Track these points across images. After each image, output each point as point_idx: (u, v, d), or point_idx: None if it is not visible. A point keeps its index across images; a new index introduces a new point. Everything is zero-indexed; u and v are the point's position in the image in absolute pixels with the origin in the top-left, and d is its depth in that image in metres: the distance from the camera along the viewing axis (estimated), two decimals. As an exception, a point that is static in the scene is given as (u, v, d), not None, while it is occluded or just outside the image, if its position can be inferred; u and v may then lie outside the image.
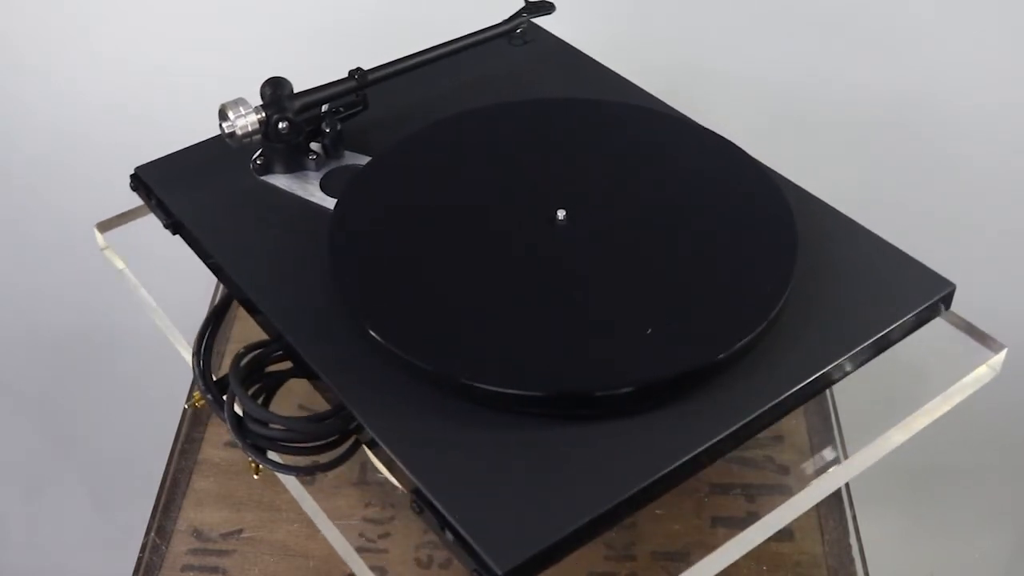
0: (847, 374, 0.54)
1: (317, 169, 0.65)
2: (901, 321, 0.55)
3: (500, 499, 0.47)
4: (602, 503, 0.46)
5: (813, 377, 0.52)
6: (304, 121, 0.64)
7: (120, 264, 0.69)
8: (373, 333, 0.52)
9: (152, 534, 0.66)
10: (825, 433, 0.70)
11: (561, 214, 0.59)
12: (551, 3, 0.73)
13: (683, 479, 0.49)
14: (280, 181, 0.65)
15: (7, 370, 1.23)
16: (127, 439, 1.22)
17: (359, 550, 0.61)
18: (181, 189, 0.65)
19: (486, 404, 0.50)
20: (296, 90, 0.65)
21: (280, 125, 0.63)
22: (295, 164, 0.65)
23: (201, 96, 1.02)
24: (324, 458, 0.53)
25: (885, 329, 0.54)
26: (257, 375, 0.56)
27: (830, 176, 1.01)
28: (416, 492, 0.48)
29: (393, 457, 0.49)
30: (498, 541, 0.45)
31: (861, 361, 0.54)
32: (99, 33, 0.98)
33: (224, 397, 0.55)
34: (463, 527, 0.46)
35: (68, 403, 1.27)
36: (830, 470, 0.58)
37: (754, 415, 0.50)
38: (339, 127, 0.65)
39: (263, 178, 0.65)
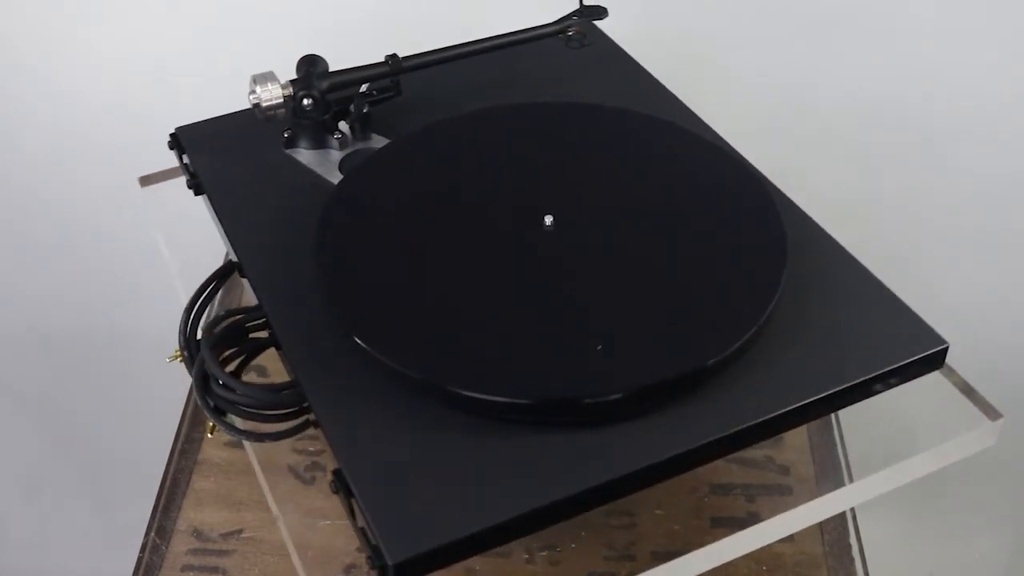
0: (822, 415, 0.52)
1: (340, 149, 0.67)
2: (881, 372, 0.52)
3: (413, 492, 0.47)
4: (510, 511, 0.46)
5: (773, 415, 0.50)
6: (332, 100, 0.66)
7: (148, 216, 0.72)
8: (347, 329, 0.53)
9: (152, 534, 0.66)
10: (826, 435, 0.70)
11: (549, 219, 0.58)
12: (603, 7, 0.73)
13: (615, 498, 0.48)
14: (303, 156, 0.67)
15: (7, 370, 1.23)
16: (127, 439, 1.22)
17: (359, 550, 0.61)
18: (209, 152, 0.68)
19: (433, 399, 0.50)
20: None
21: (305, 101, 0.65)
22: (320, 142, 0.67)
23: (201, 96, 1.02)
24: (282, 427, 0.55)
25: (863, 377, 0.52)
26: (235, 339, 0.57)
27: (828, 175, 1.02)
28: (336, 472, 0.48)
29: (325, 434, 0.50)
30: (397, 532, 0.45)
31: (837, 405, 0.52)
32: (99, 33, 0.98)
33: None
34: (367, 511, 0.46)
35: (68, 403, 1.27)
36: (835, 492, 0.58)
37: (698, 444, 0.49)
38: (366, 109, 0.66)
39: (288, 151, 0.67)
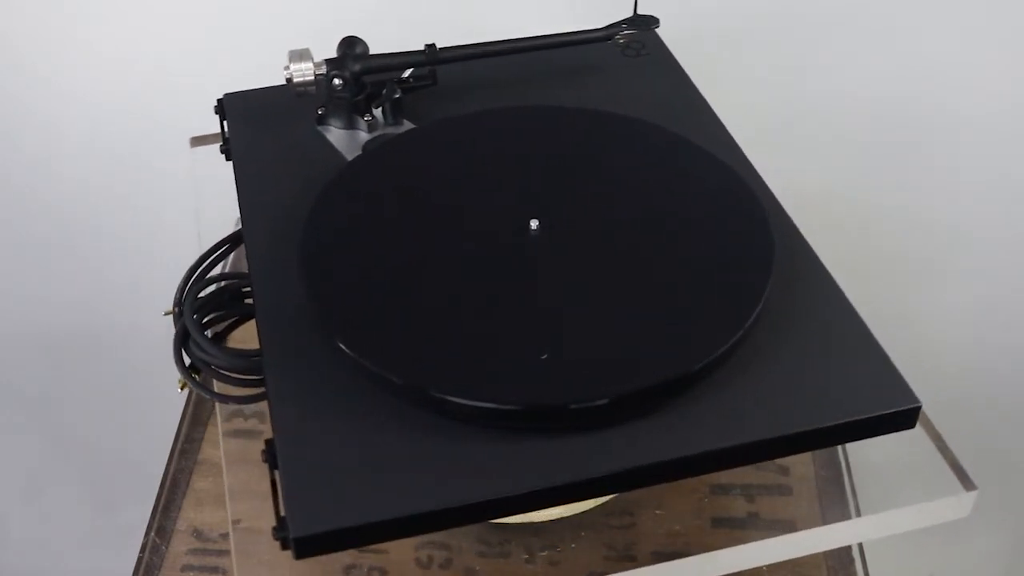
0: (776, 456, 0.51)
1: (369, 131, 0.68)
2: (843, 423, 0.50)
3: (333, 473, 0.48)
4: (422, 506, 0.46)
5: (715, 449, 0.49)
6: (368, 83, 0.67)
7: (190, 176, 0.75)
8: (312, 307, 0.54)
9: (152, 534, 0.66)
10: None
11: (535, 224, 0.58)
12: (655, 18, 0.72)
13: (537, 507, 0.48)
14: (332, 135, 0.68)
15: (7, 370, 1.23)
16: (127, 439, 1.22)
17: (359, 550, 0.61)
18: (245, 120, 0.70)
19: (383, 391, 0.51)
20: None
21: (335, 81, 0.67)
22: (351, 122, 0.68)
23: (202, 96, 1.02)
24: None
25: (821, 424, 0.50)
26: (225, 303, 0.61)
27: (827, 175, 1.02)
28: (268, 442, 0.50)
29: (269, 403, 0.51)
30: (306, 507, 0.46)
31: (793, 449, 0.50)
32: (99, 33, 0.98)
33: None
34: (283, 482, 0.47)
35: (68, 403, 1.27)
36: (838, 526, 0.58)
37: (623, 469, 0.48)
38: (397, 95, 0.68)
39: (320, 128, 0.69)
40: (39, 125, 1.04)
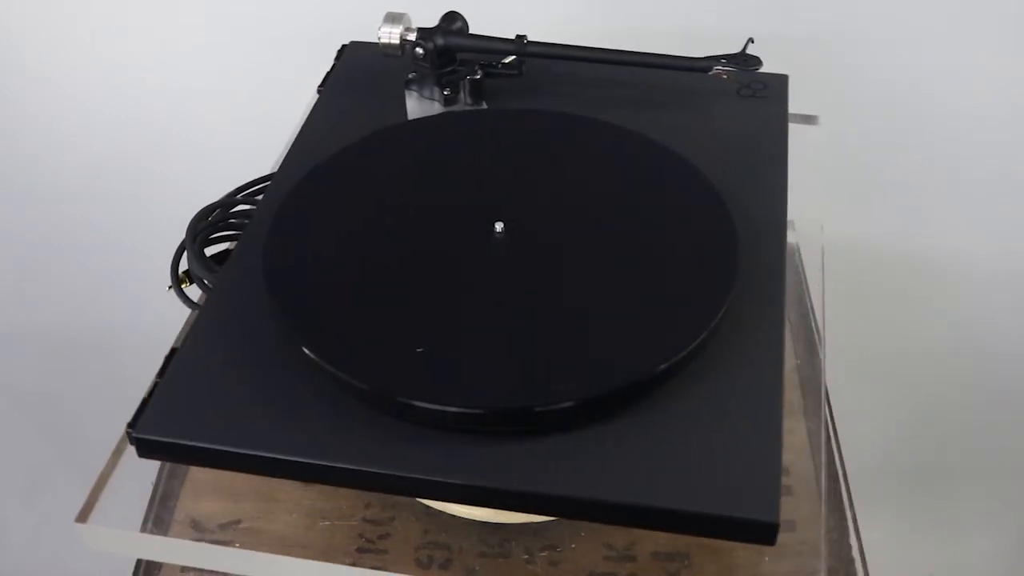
0: (619, 523, 0.49)
1: (445, 105, 0.70)
2: (684, 512, 0.46)
3: (202, 398, 0.51)
4: (252, 448, 0.49)
5: (534, 491, 0.47)
6: (456, 58, 0.69)
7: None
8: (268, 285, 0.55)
9: (149, 525, 0.66)
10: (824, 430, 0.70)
11: (499, 227, 0.58)
12: (759, 59, 0.68)
13: (363, 486, 0.50)
14: (411, 101, 0.71)
15: (7, 370, 1.23)
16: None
17: (359, 550, 0.61)
18: (349, 67, 0.75)
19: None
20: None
21: (417, 50, 0.69)
22: (431, 93, 0.70)
23: (202, 96, 1.02)
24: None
25: (663, 506, 0.46)
26: (229, 225, 0.67)
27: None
28: (172, 351, 0.54)
29: (196, 317, 0.56)
30: (158, 416, 0.51)
31: (633, 521, 0.48)
32: (99, 33, 0.98)
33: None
34: (155, 388, 0.52)
35: (68, 403, 1.27)
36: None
37: (457, 482, 0.48)
38: (478, 76, 0.69)
39: (406, 91, 0.71)
40: (39, 125, 1.04)
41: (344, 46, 0.76)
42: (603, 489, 0.47)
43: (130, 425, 0.51)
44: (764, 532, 0.46)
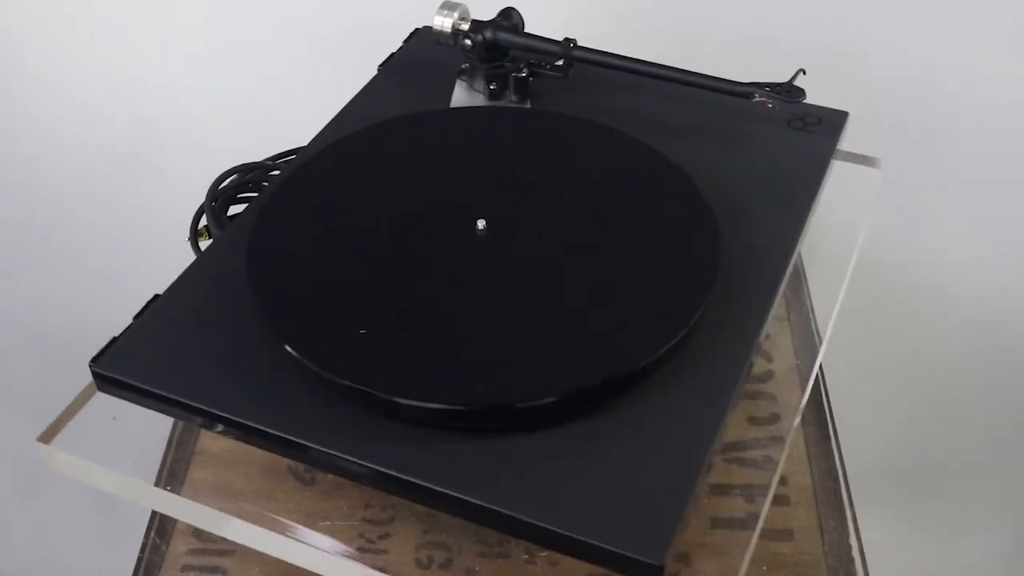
0: (533, 540, 0.47)
1: (490, 99, 0.70)
2: (580, 540, 0.45)
3: (173, 344, 0.54)
4: (203, 403, 0.51)
5: (468, 499, 0.47)
6: (507, 53, 0.69)
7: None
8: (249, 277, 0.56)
9: (152, 534, 0.66)
10: (823, 445, 0.70)
11: (481, 224, 0.58)
12: (802, 90, 0.64)
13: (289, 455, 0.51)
14: (458, 90, 0.71)
15: (7, 370, 1.23)
16: (127, 439, 1.22)
17: (359, 550, 0.61)
18: (416, 51, 0.76)
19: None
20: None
21: (465, 41, 0.69)
22: (478, 85, 0.70)
23: (202, 96, 1.02)
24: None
25: (561, 529, 0.45)
26: (248, 188, 0.71)
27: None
28: (155, 296, 0.57)
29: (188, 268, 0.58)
30: (122, 355, 0.55)
31: (536, 538, 0.47)
32: (100, 33, 0.98)
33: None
34: (122, 333, 0.56)
35: (68, 403, 1.26)
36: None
37: (393, 474, 0.48)
38: (524, 74, 0.69)
39: (457, 80, 0.71)
40: (39, 125, 1.04)
41: (416, 29, 0.77)
42: (498, 498, 0.46)
43: (93, 360, 0.55)
44: (648, 572, 0.44)
